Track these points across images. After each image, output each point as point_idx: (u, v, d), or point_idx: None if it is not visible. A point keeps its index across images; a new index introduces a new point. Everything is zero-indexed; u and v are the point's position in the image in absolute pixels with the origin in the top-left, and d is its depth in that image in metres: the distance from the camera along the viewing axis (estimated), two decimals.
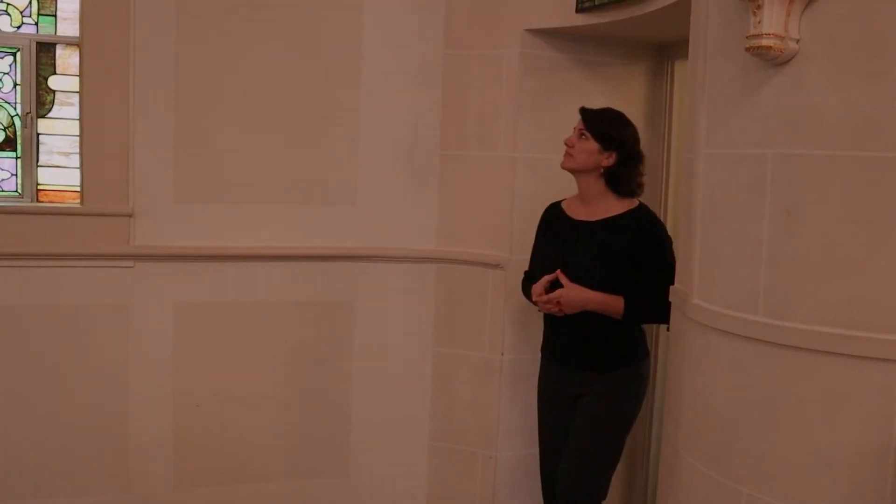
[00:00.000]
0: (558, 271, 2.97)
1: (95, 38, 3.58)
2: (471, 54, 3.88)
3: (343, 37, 3.84)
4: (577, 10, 3.54)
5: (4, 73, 3.65)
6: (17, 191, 3.70)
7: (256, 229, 3.79)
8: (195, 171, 3.70)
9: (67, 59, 3.70)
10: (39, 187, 3.71)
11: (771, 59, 2.23)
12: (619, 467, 4.03)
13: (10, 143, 3.68)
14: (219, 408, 3.85)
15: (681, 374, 2.76)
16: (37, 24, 3.67)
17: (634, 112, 3.92)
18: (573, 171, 3.05)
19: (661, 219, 3.97)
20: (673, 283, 2.75)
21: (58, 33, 3.69)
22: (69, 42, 3.68)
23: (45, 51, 3.68)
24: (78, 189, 3.69)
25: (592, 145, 2.98)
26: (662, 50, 3.96)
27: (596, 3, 3.45)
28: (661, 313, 2.83)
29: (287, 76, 3.78)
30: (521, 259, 3.77)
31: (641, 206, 3.05)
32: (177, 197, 3.69)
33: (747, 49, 2.24)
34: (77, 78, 3.66)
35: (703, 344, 2.55)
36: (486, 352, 3.92)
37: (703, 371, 2.56)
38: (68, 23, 3.68)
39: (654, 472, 4.01)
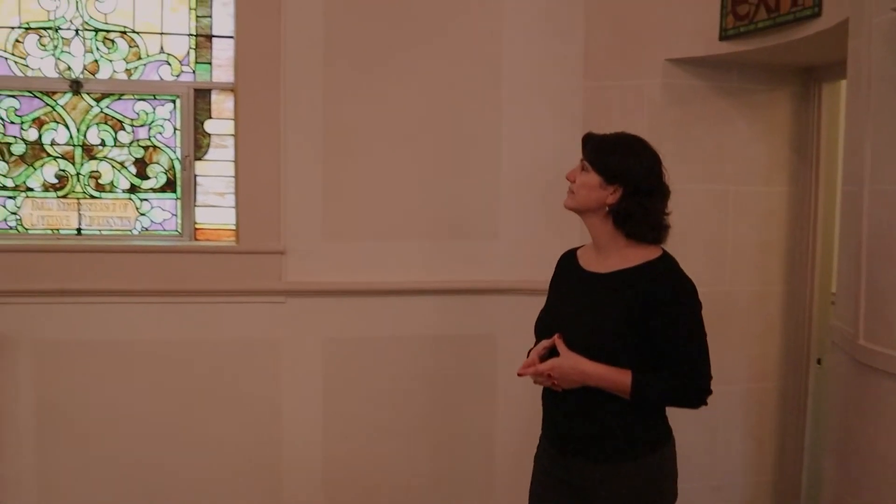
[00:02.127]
0: (556, 336, 2.31)
1: (249, 83, 3.75)
2: (611, 85, 3.87)
3: (483, 71, 3.90)
4: (721, 38, 3.48)
5: (165, 120, 3.86)
6: (177, 230, 3.90)
7: (402, 264, 3.88)
8: (342, 209, 3.82)
9: (222, 104, 3.88)
10: (197, 226, 3.90)
11: None
12: None
13: (170, 185, 3.89)
14: (366, 438, 3.94)
15: (846, 417, 2.66)
16: (194, 71, 3.88)
17: (779, 139, 3.84)
18: (576, 211, 2.41)
19: (808, 253, 3.86)
20: (701, 358, 2.26)
21: (213, 80, 3.88)
22: (224, 88, 3.87)
23: (201, 97, 3.87)
24: (232, 228, 3.87)
25: (593, 179, 2.33)
26: (809, 73, 3.84)
27: (741, 30, 3.38)
28: (681, 395, 2.27)
29: (429, 112, 3.86)
30: None
31: (664, 256, 2.34)
32: (325, 234, 3.82)
33: None
34: (231, 121, 3.85)
35: (874, 388, 2.46)
36: None
37: (874, 417, 2.46)
38: (223, 69, 3.87)
39: None
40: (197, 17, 3.86)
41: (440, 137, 3.89)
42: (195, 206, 3.89)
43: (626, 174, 2.31)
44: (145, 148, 3.87)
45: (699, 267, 3.77)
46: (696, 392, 2.27)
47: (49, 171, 3.82)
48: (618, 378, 2.23)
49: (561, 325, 2.35)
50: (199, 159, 3.89)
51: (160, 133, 3.86)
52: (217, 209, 3.91)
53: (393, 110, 3.83)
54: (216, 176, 3.90)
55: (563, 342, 2.30)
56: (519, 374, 2.38)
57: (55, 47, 3.76)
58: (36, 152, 3.81)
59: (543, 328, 2.41)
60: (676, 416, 3.80)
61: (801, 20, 3.09)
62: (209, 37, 3.87)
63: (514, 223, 3.94)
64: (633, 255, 2.32)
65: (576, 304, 2.38)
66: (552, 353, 2.33)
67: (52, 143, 3.81)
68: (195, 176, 3.88)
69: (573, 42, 3.92)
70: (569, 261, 2.55)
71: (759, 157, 3.86)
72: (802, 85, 3.87)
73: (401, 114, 3.84)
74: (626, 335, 2.24)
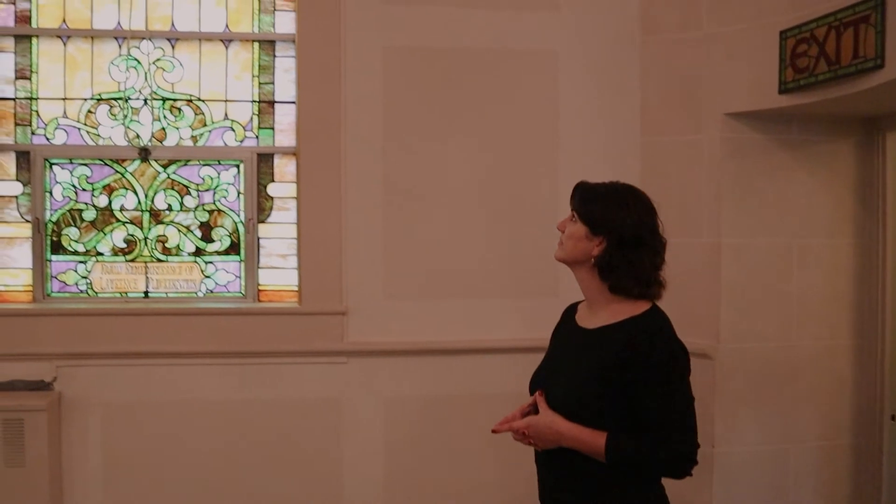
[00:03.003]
0: (537, 393, 2.22)
1: (310, 147, 3.83)
2: (668, 140, 3.87)
3: (540, 130, 3.94)
4: (780, 91, 3.46)
5: (229, 184, 3.96)
6: (241, 292, 3.97)
7: (462, 322, 3.89)
8: (403, 269, 3.85)
9: (284, 168, 3.97)
10: (260, 288, 3.97)
11: None
12: None
13: (234, 248, 3.97)
14: (428, 497, 3.91)
15: None
16: (257, 137, 3.98)
17: (843, 190, 3.78)
18: (565, 263, 2.28)
19: (878, 305, 3.76)
20: (682, 422, 2.03)
21: (276, 144, 3.98)
22: (286, 152, 3.96)
23: (264, 161, 3.97)
24: (295, 289, 3.93)
25: (580, 229, 2.21)
26: (872, 123, 3.79)
27: (801, 83, 3.35)
28: (661, 462, 2.04)
29: (488, 172, 3.89)
30: (730, 348, 3.69)
31: (650, 311, 2.16)
32: (387, 294, 3.85)
33: None
34: (294, 185, 3.94)
35: None
36: None
37: None
38: (285, 134, 3.97)
39: None
40: (260, 84, 3.97)
41: (499, 196, 3.91)
42: (258, 267, 3.96)
43: (611, 225, 2.16)
44: (210, 212, 3.96)
45: (764, 321, 3.74)
46: (675, 460, 2.05)
47: (118, 236, 3.94)
48: (591, 440, 2.07)
49: (547, 381, 2.24)
50: (263, 222, 3.97)
51: (224, 197, 3.96)
52: (280, 271, 3.98)
53: (452, 171, 3.88)
54: (279, 238, 3.97)
55: (543, 400, 2.19)
56: (493, 431, 2.28)
57: (125, 117, 3.89)
58: (106, 218, 3.93)
59: (533, 385, 2.30)
60: (744, 476, 3.72)
61: (863, 72, 3.06)
62: (271, 103, 3.97)
63: (574, 280, 3.91)
64: (621, 311, 2.16)
65: (561, 361, 2.27)
66: (537, 411, 2.21)
67: (122, 209, 3.93)
68: (258, 238, 3.96)
69: (629, 98, 3.95)
70: (569, 314, 2.41)
71: (822, 208, 3.80)
72: (865, 135, 3.83)
73: (460, 174, 3.88)
74: (603, 395, 2.08)
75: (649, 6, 3.91)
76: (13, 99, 3.88)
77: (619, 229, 2.15)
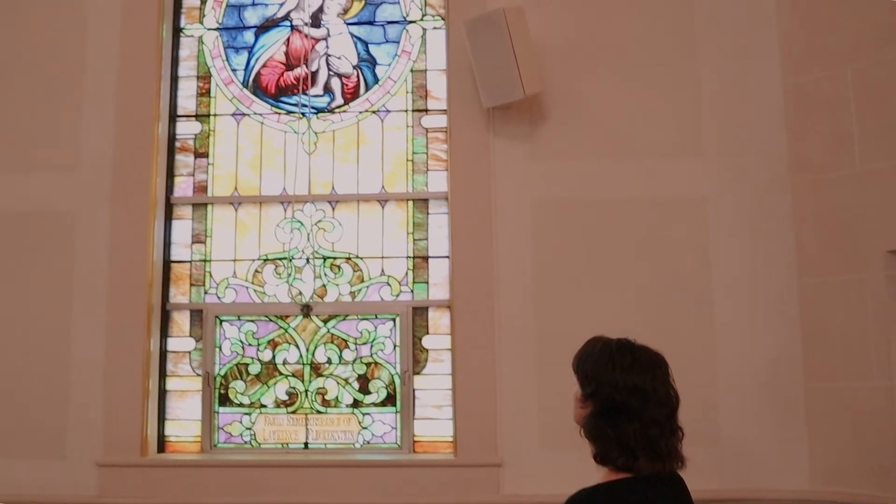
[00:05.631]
0: None
1: (464, 300, 3.93)
2: (828, 281, 3.75)
3: (693, 275, 3.90)
4: None
5: (386, 337, 4.09)
6: (396, 443, 4.02)
7: None
8: (559, 419, 3.70)
9: (438, 320, 4.08)
10: (415, 439, 4.01)
11: None
12: None
13: (390, 399, 4.06)
14: None
15: None
16: (412, 290, 4.12)
17: None
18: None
19: None
20: None
21: (430, 298, 4.11)
22: (440, 305, 4.07)
23: (419, 314, 4.09)
24: (450, 440, 3.95)
25: (577, 391, 2.10)
26: None
27: None
28: None
29: (641, 318, 3.85)
30: None
31: (596, 487, 2.01)
32: (543, 445, 3.80)
33: None
34: (448, 337, 4.02)
35: None
36: None
37: None
38: (438, 287, 4.10)
39: None
40: (414, 240, 4.15)
41: (653, 343, 3.83)
42: (414, 419, 4.02)
43: (593, 388, 2.03)
44: (367, 364, 4.08)
45: None
46: None
47: (281, 389, 4.10)
48: None
49: None
50: (418, 374, 4.05)
51: (381, 350, 4.08)
52: (435, 422, 4.02)
53: (604, 321, 3.80)
54: (434, 389, 4.04)
55: None
56: None
57: (289, 275, 4.13)
58: (270, 371, 4.11)
59: None
60: None
61: None
62: (426, 258, 4.13)
63: (735, 426, 3.78)
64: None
65: None
66: None
67: (284, 363, 4.11)
68: (414, 390, 4.04)
69: (784, 240, 3.87)
70: None
71: None
72: None
73: (612, 324, 3.77)
74: None
75: (798, 146, 3.89)
76: (189, 262, 4.19)
77: (600, 394, 2.01)
